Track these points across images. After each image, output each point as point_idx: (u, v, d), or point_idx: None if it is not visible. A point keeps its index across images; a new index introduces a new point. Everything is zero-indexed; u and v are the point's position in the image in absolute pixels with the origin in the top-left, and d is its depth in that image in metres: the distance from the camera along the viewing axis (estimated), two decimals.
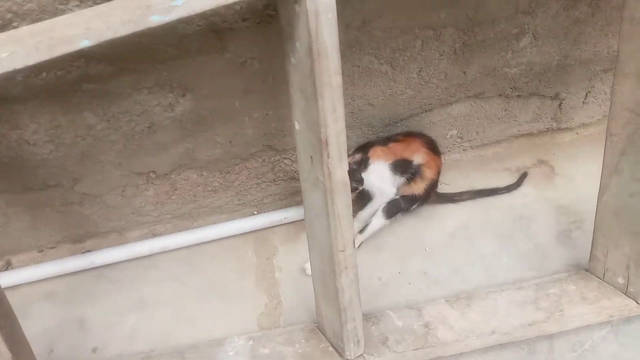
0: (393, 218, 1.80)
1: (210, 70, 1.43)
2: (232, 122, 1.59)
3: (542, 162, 2.02)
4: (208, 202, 1.85)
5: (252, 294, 1.72)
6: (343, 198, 1.29)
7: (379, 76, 1.63)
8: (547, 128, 2.01)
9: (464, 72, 1.68)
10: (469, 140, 1.96)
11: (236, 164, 1.75)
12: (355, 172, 1.67)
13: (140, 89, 1.41)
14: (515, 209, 1.87)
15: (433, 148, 1.83)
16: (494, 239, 1.79)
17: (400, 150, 1.77)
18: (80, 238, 1.87)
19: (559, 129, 2.03)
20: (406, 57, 1.57)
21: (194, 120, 1.55)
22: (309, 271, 1.72)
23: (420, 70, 1.62)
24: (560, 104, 1.95)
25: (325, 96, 1.15)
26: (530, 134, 2.01)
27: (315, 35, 1.07)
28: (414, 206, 1.82)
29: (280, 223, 1.91)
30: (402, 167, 1.77)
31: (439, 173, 1.84)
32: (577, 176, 1.95)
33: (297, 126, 1.31)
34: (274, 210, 1.92)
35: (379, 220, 1.80)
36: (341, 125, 1.20)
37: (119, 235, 1.89)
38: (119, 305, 1.72)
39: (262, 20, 1.35)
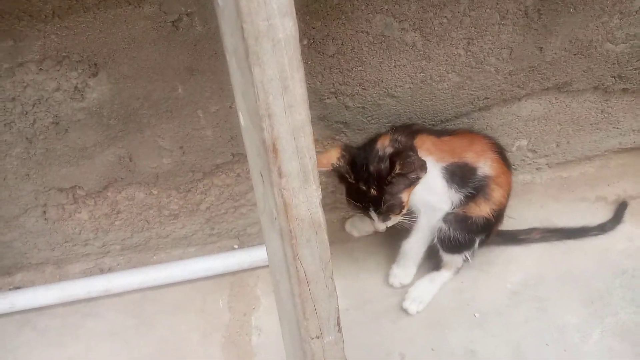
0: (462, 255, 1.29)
1: (127, 35, 1.00)
2: (178, 118, 1.11)
3: None
4: (168, 230, 1.39)
5: None
6: (315, 250, 0.74)
7: (403, 50, 1.11)
8: None
9: (540, 49, 1.18)
10: (546, 155, 1.47)
11: (198, 180, 1.27)
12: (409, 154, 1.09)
13: (24, 63, 0.97)
14: (613, 258, 1.38)
15: (504, 157, 1.26)
16: (579, 303, 1.31)
17: (460, 147, 1.19)
18: (8, 270, 1.47)
19: None
20: (445, 21, 1.07)
21: (120, 114, 1.09)
22: (414, 309, 1.33)
23: (469, 43, 1.14)
24: None
25: (264, 59, 0.61)
26: (636, 149, 1.51)
27: None
28: (478, 240, 1.27)
29: (266, 263, 1.38)
30: (461, 176, 1.18)
31: (509, 195, 1.29)
32: None
33: (241, 120, 0.77)
34: (261, 244, 1.43)
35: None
36: (301, 115, 0.65)
37: (56, 268, 1.49)
38: None
39: None
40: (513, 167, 1.44)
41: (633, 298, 1.28)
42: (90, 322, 1.39)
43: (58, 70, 0.99)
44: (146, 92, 1.06)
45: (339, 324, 0.82)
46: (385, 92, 1.17)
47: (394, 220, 1.17)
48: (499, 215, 1.26)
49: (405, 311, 1.30)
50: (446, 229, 1.22)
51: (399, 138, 1.13)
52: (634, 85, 1.30)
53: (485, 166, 1.20)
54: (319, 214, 0.73)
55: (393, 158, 1.07)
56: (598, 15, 1.13)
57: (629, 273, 1.33)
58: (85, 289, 1.40)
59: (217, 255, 1.43)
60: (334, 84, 1.11)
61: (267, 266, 1.41)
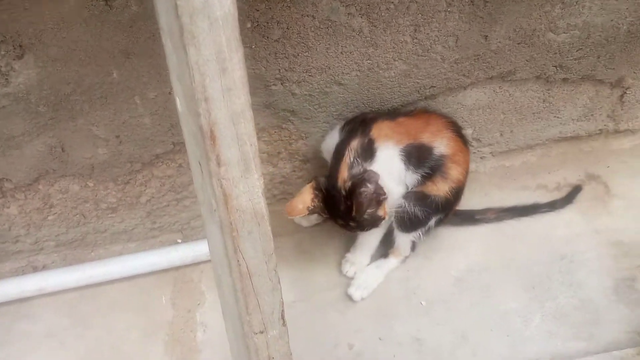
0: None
1: (55, 14, 0.93)
2: (113, 104, 1.04)
3: (592, 177, 1.53)
4: (106, 224, 1.32)
5: None
6: (257, 242, 0.70)
7: (350, 36, 1.08)
8: (600, 129, 1.53)
9: (485, 37, 1.18)
10: (490, 144, 1.47)
11: (137, 171, 1.20)
12: (365, 182, 1.08)
13: None
14: (553, 244, 1.40)
15: (461, 135, 1.27)
16: (521, 289, 1.33)
17: (416, 127, 1.19)
18: None
19: (617, 132, 1.55)
20: (392, 6, 1.04)
21: (49, 100, 1.01)
22: (358, 296, 1.32)
23: (415, 30, 1.12)
24: (622, 95, 1.45)
25: (200, 38, 0.57)
26: (576, 138, 1.53)
27: None
28: (435, 219, 1.26)
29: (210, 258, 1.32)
30: (418, 156, 1.17)
31: (467, 173, 1.29)
32: None
33: (178, 105, 0.72)
34: (205, 238, 1.33)
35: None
36: (241, 100, 0.61)
37: None
38: None
39: None
40: None
41: (571, 282, 1.31)
42: (23, 324, 1.31)
43: None
44: (78, 77, 0.98)
45: (283, 317, 0.80)
46: (332, 79, 1.13)
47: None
48: (457, 193, 1.26)
49: (350, 297, 1.28)
50: (406, 204, 1.20)
51: (353, 141, 1.11)
52: (573, 75, 1.31)
53: (442, 145, 1.19)
54: (261, 204, 0.69)
55: (351, 200, 1.07)
56: (541, 5, 1.13)
57: (567, 258, 1.36)
58: (18, 289, 1.32)
59: (159, 250, 1.36)
60: (279, 69, 1.07)
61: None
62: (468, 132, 1.39)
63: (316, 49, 1.06)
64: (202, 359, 1.24)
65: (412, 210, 1.20)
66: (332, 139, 1.18)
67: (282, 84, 1.10)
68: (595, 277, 1.32)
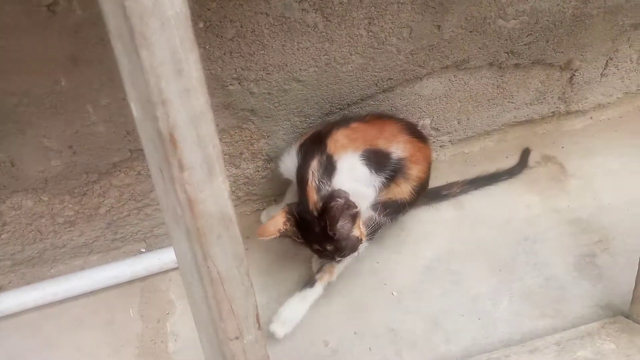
0: (372, 238, 1.25)
1: None
2: (64, 114, 0.99)
3: (547, 158, 1.56)
4: (65, 239, 1.26)
5: None
6: (227, 247, 0.69)
7: (305, 32, 1.06)
8: (552, 112, 1.56)
9: (438, 27, 1.18)
10: (448, 133, 1.48)
11: (94, 181, 1.15)
12: (335, 197, 1.08)
13: None
14: (516, 227, 1.42)
15: (417, 134, 1.28)
16: (488, 272, 1.34)
17: (371, 134, 1.19)
18: None
19: (568, 113, 1.58)
20: (345, 1, 1.01)
21: None
22: (280, 333, 1.21)
23: (369, 23, 1.11)
24: (571, 77, 1.47)
25: (152, 39, 0.55)
26: (530, 121, 1.55)
27: None
28: (398, 217, 1.29)
29: (177, 265, 1.28)
30: (377, 162, 1.18)
31: (429, 168, 1.30)
32: (596, 177, 1.51)
33: (134, 111, 0.69)
34: (170, 245, 1.31)
35: None
36: (199, 101, 0.59)
37: None
38: None
39: None
40: None
41: (536, 262, 1.33)
42: None
43: None
44: (24, 87, 0.92)
45: (258, 321, 0.78)
46: (290, 76, 1.11)
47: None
48: (420, 188, 1.27)
49: (272, 335, 1.20)
50: (375, 216, 1.22)
51: (312, 161, 1.11)
52: (524, 60, 1.33)
53: (398, 150, 1.20)
54: (228, 207, 0.68)
55: (324, 218, 1.06)
56: None
57: (530, 239, 1.38)
58: None
59: (122, 261, 1.31)
60: (236, 69, 1.04)
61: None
62: (426, 122, 1.40)
63: (272, 47, 1.04)
64: None
65: (381, 220, 1.22)
66: (290, 161, 1.17)
67: (239, 83, 1.07)
68: (557, 256, 1.34)
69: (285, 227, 1.11)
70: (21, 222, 1.19)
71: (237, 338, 0.77)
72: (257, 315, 0.78)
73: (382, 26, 1.10)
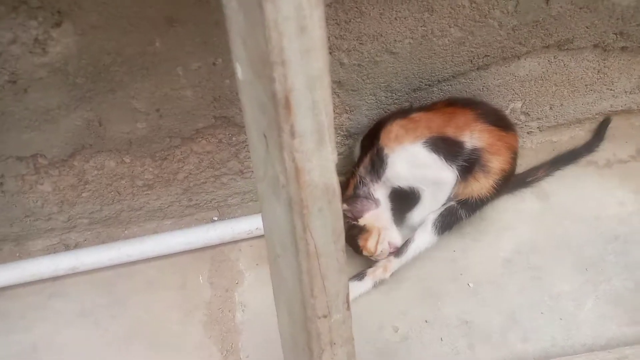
0: (447, 232, 1.22)
1: None
2: (155, 76, 0.98)
3: None
4: (142, 202, 1.27)
5: (198, 345, 1.20)
6: (327, 220, 0.65)
7: (406, 0, 0.96)
8: None
9: (547, 1, 1.08)
10: (538, 119, 1.38)
11: (176, 146, 1.14)
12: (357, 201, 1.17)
13: None
14: (605, 224, 1.32)
15: (498, 121, 1.18)
16: (572, 270, 1.26)
17: (436, 123, 1.13)
18: None
19: None
20: None
21: (88, 71, 0.94)
22: None
23: None
24: None
25: None
26: (627, 111, 1.43)
27: None
28: (479, 211, 1.24)
29: (249, 236, 1.32)
30: (447, 150, 1.12)
31: (514, 159, 1.21)
32: None
33: (239, 72, 0.66)
34: (243, 215, 1.34)
35: (426, 237, 1.21)
36: (319, 63, 0.55)
37: (15, 245, 1.34)
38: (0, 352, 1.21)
39: None
40: None
41: (626, 264, 1.24)
42: (56, 303, 1.27)
43: (14, 19, 0.84)
44: (119, 46, 0.91)
45: (347, 301, 0.75)
46: (383, 47, 1.05)
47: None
48: (503, 182, 1.19)
49: None
50: (455, 206, 1.19)
51: (362, 181, 1.16)
52: (633, 43, 1.21)
53: (473, 139, 1.13)
54: (333, 179, 0.64)
55: None
56: None
57: (621, 239, 1.28)
58: (51, 267, 1.26)
59: (196, 228, 1.31)
60: (329, 37, 0.99)
61: (250, 239, 1.32)
62: (517, 105, 1.31)
63: (369, 14, 0.98)
64: (242, 340, 1.20)
65: (460, 214, 1.20)
66: (357, 148, 1.21)
67: (330, 53, 1.02)
68: None
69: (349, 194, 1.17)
70: (102, 182, 1.20)
71: (325, 316, 0.74)
72: (348, 295, 0.74)
73: None
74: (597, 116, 1.42)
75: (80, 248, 1.33)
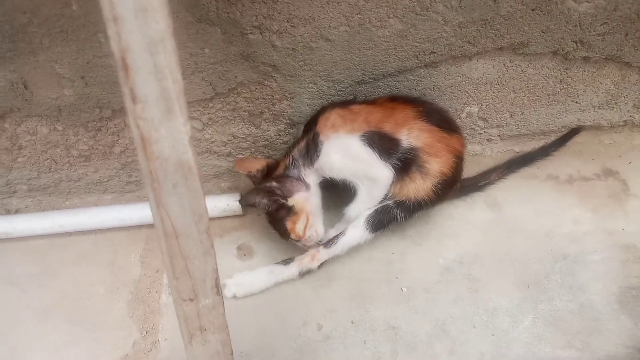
0: (381, 231, 1.16)
1: None
2: (75, 41, 0.95)
3: (609, 172, 1.38)
4: (80, 173, 1.25)
5: (119, 323, 1.18)
6: (184, 198, 0.62)
7: None
8: (624, 121, 1.37)
9: None
10: (498, 126, 1.33)
11: (108, 118, 1.11)
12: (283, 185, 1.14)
13: None
14: (557, 241, 1.27)
15: (441, 122, 1.12)
16: (514, 285, 1.21)
17: (375, 117, 1.08)
18: None
19: None
20: None
21: (4, 29, 0.93)
22: (230, 293, 1.18)
23: None
24: None
25: None
26: (597, 127, 1.38)
27: None
28: (417, 214, 1.18)
29: None
30: (381, 145, 1.08)
31: (457, 163, 1.14)
32: None
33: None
34: None
35: (357, 232, 1.15)
36: (160, 25, 0.52)
37: None
38: None
39: None
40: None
41: (571, 285, 1.19)
42: None
43: None
44: (33, 5, 0.89)
45: (217, 286, 0.71)
46: (318, 33, 1.01)
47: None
48: (444, 186, 1.12)
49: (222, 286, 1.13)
50: (392, 206, 1.14)
51: (295, 162, 1.14)
52: (596, 54, 1.15)
53: (410, 137, 1.07)
54: (188, 154, 0.60)
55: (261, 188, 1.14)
56: None
57: (570, 258, 1.23)
58: None
59: (132, 205, 1.29)
60: (257, 16, 0.95)
61: None
62: (473, 109, 1.26)
63: None
64: (163, 322, 1.17)
65: (396, 214, 1.14)
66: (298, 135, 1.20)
67: (260, 33, 0.98)
68: (599, 282, 1.19)
69: (255, 174, 1.17)
70: (37, 148, 1.18)
71: (191, 300, 0.70)
72: (217, 279, 0.71)
73: None
74: (563, 129, 1.35)
75: (17, 214, 1.32)
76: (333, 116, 1.07)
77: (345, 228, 1.15)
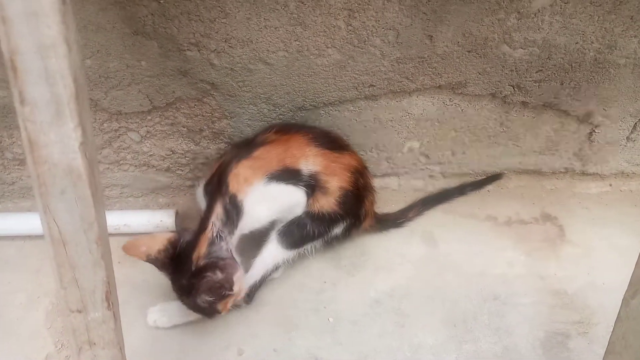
0: (300, 250, 1.16)
1: None
2: None
3: (547, 217, 1.40)
4: (14, 177, 1.23)
5: (35, 334, 1.14)
6: (73, 206, 0.61)
7: (274, 9, 0.97)
8: (565, 168, 1.40)
9: (430, 38, 1.05)
10: (440, 163, 1.35)
11: None
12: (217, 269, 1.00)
13: None
14: (487, 281, 1.27)
15: (330, 144, 1.15)
16: (440, 323, 1.20)
17: (276, 156, 1.09)
18: None
19: (584, 174, 1.42)
20: None
21: None
22: (152, 320, 1.11)
23: (349, 16, 0.99)
24: (591, 133, 1.31)
25: None
26: (537, 172, 1.40)
27: None
28: (333, 232, 1.18)
29: (116, 232, 1.25)
30: (291, 177, 1.10)
31: (355, 176, 1.17)
32: (597, 250, 1.33)
33: None
34: (120, 210, 1.30)
35: (271, 247, 1.14)
36: (52, 30, 0.53)
37: None
38: None
39: None
40: (404, 169, 1.33)
41: (498, 327, 1.18)
42: None
43: None
44: None
45: (108, 300, 0.69)
46: (256, 55, 1.02)
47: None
48: (346, 199, 1.15)
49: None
50: (309, 224, 1.14)
51: (220, 233, 1.01)
52: (533, 99, 1.18)
53: (308, 164, 1.10)
54: (78, 160, 0.60)
55: (196, 278, 0.98)
56: (493, 10, 1.00)
57: (500, 300, 1.22)
58: None
59: None
60: (194, 33, 0.96)
61: (116, 234, 1.27)
62: (414, 144, 1.27)
63: (235, 17, 0.95)
64: None
65: (313, 230, 1.15)
66: (200, 199, 1.11)
67: (198, 50, 0.99)
68: (525, 326, 1.18)
69: (157, 256, 1.00)
70: None
71: (79, 311, 0.68)
72: (108, 293, 0.69)
73: (363, 22, 0.99)
74: (506, 171, 1.37)
75: None
76: (242, 170, 1.05)
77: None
